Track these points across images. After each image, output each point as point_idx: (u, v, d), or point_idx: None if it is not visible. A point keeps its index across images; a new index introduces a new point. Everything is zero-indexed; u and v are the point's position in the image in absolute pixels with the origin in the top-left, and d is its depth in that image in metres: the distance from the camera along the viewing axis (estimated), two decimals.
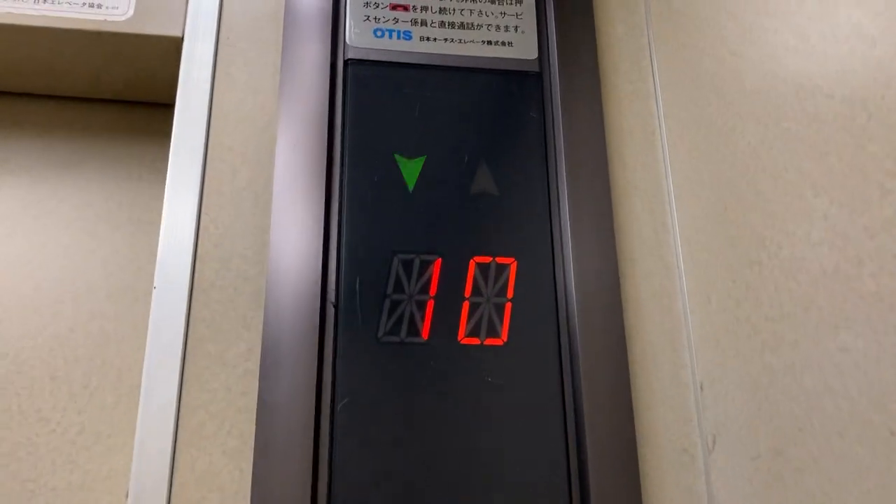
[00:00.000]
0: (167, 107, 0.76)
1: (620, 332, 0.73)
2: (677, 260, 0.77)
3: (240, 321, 0.71)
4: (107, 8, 0.76)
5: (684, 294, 0.76)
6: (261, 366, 0.66)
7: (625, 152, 0.82)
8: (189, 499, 0.63)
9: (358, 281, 0.72)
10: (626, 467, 0.67)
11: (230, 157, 0.76)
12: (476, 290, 0.73)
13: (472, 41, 0.81)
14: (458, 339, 0.71)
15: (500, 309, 0.72)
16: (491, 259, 0.74)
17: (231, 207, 0.74)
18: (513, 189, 0.77)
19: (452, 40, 0.80)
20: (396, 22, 0.81)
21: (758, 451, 0.61)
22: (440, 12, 0.82)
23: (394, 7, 0.82)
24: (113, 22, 0.75)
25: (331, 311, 0.71)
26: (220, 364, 0.69)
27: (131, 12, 0.76)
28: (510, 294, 0.73)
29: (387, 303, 0.71)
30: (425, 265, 0.73)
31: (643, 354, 0.75)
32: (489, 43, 0.81)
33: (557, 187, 0.78)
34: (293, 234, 0.72)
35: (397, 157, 0.77)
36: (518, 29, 0.83)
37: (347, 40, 0.79)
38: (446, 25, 0.81)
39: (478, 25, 0.81)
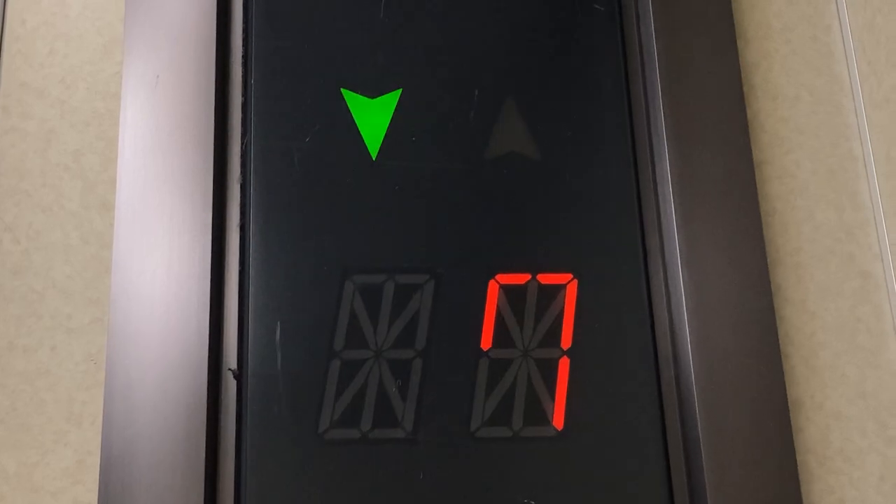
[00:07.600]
0: None
1: (781, 404, 0.52)
2: (886, 266, 0.57)
3: (62, 414, 0.53)
4: None
5: None
6: (100, 495, 0.49)
7: (774, 77, 0.62)
8: None
9: (279, 329, 0.52)
10: None
11: (35, 109, 0.58)
12: (502, 338, 0.54)
13: None
14: (471, 429, 0.52)
15: (548, 370, 0.53)
16: (529, 278, 0.54)
17: (35, 206, 0.57)
18: (566, 149, 0.58)
19: None
20: None
21: None
22: None
23: None
24: None
25: (229, 385, 0.52)
26: (29, 489, 0.52)
27: None
28: (566, 342, 0.53)
29: (334, 366, 0.52)
30: (405, 294, 0.54)
31: (831, 448, 0.54)
32: None
33: (650, 142, 0.58)
34: (155, 249, 0.53)
35: (348, 95, 0.57)
36: None
37: None
38: None
39: None
